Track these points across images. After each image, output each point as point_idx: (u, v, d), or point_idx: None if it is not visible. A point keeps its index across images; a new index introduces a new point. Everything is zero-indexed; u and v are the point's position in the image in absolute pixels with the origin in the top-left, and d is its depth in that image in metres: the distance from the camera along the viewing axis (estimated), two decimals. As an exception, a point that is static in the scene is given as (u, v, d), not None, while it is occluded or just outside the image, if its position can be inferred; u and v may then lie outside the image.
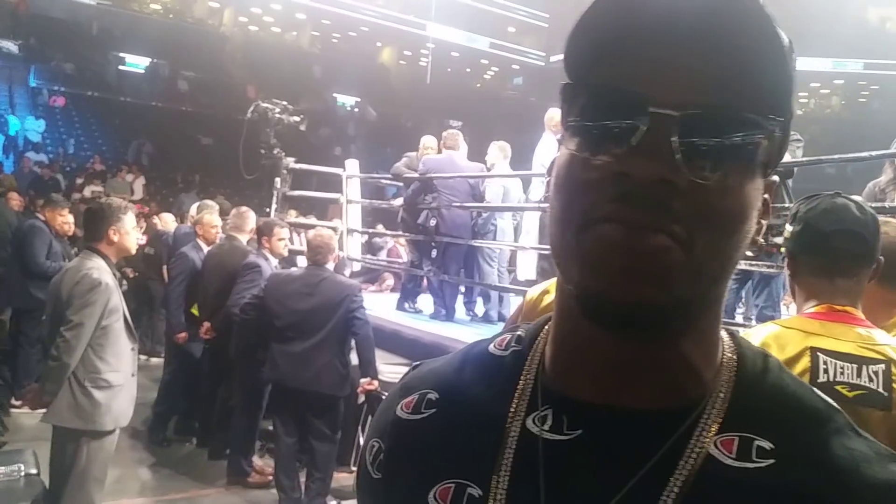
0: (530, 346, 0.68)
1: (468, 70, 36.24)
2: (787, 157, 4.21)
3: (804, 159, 4.36)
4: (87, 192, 14.41)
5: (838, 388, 1.58)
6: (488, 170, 6.28)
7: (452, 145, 6.26)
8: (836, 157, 4.19)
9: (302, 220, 9.31)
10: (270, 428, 5.24)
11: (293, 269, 5.78)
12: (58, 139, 21.90)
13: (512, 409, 0.63)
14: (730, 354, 0.62)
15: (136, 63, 26.62)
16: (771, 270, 4.22)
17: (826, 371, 1.60)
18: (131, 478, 5.28)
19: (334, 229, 6.23)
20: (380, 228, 10.21)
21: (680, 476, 0.55)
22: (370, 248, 10.18)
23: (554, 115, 5.62)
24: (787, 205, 4.27)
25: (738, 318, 4.96)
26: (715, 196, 0.53)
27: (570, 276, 0.57)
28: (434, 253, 6.35)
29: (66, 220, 6.96)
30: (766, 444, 0.56)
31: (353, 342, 4.67)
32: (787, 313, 4.58)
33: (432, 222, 6.10)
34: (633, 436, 0.58)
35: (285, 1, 29.33)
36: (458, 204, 5.96)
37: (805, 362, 1.61)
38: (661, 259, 0.52)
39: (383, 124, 27.20)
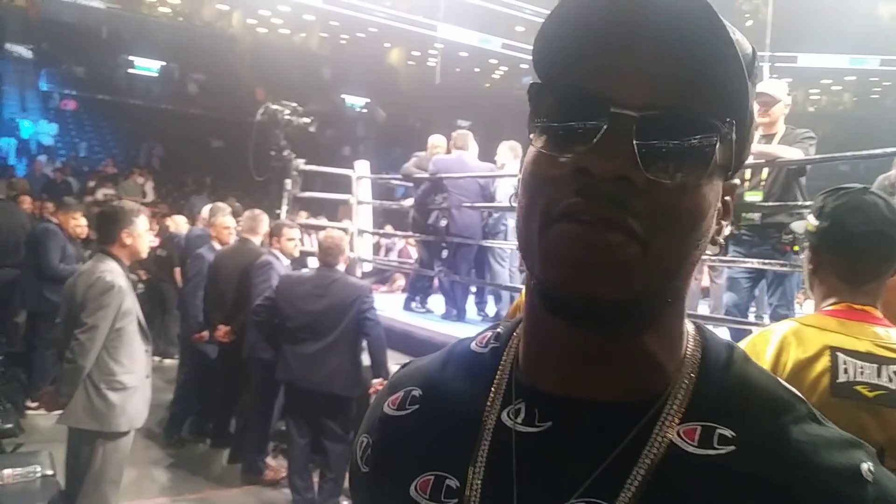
0: (507, 343, 0.71)
1: (477, 70, 36.20)
2: (799, 155, 4.19)
3: (817, 156, 4.33)
4: (99, 194, 14.48)
5: (858, 388, 1.57)
6: (499, 170, 6.28)
7: (462, 145, 6.26)
8: (848, 154, 4.16)
9: (312, 221, 9.33)
10: (283, 428, 5.26)
11: (304, 270, 5.80)
12: (69, 143, 22.06)
13: (488, 404, 0.66)
14: (694, 347, 0.64)
15: (146, 66, 26.78)
16: (785, 269, 4.20)
17: (846, 371, 1.59)
18: (146, 479, 5.32)
19: (345, 230, 6.24)
20: (388, 229, 10.22)
21: (643, 464, 0.58)
22: (377, 249, 10.20)
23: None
24: (800, 202, 4.26)
25: (751, 318, 4.92)
26: (672, 195, 0.55)
27: (534, 271, 0.60)
28: (445, 253, 6.36)
29: (78, 223, 7.00)
30: (728, 433, 0.58)
31: (364, 343, 4.69)
32: (800, 312, 4.56)
33: (443, 223, 6.10)
34: (599, 426, 0.60)
35: (294, 3, 29.38)
36: (468, 204, 5.96)
37: (825, 361, 1.60)
38: (617, 255, 0.54)
39: (392, 125, 27.22)
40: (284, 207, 7.30)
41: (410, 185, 7.07)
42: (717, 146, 0.56)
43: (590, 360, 0.60)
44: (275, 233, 5.55)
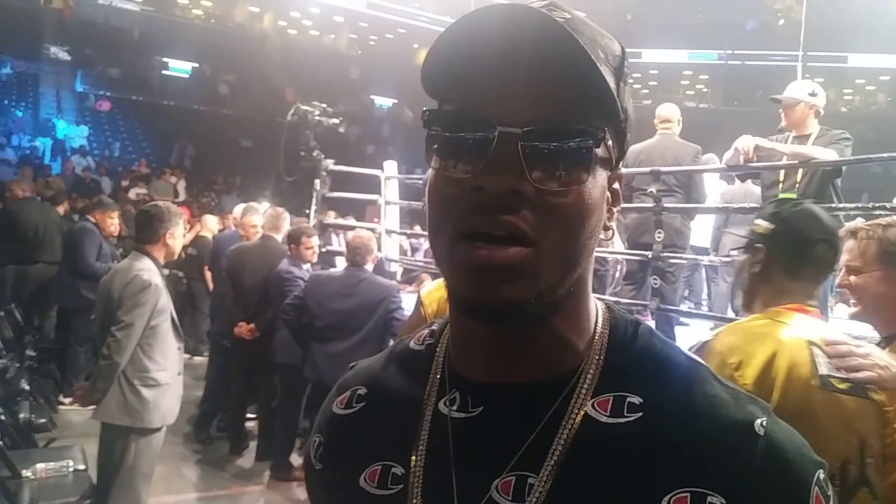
0: (440, 339, 0.77)
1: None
2: (834, 156, 4.12)
3: (851, 157, 4.26)
4: (132, 194, 14.70)
5: (832, 381, 1.64)
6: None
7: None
8: (885, 155, 4.09)
9: (341, 221, 9.37)
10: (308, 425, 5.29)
11: (333, 269, 5.82)
12: (103, 143, 22.41)
13: (425, 395, 0.72)
14: (603, 325, 0.70)
15: (178, 67, 27.13)
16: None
17: (822, 364, 1.66)
18: (175, 474, 5.38)
19: (373, 230, 6.27)
20: (417, 230, 10.22)
21: (562, 436, 0.64)
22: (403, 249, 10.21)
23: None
24: (834, 204, 4.18)
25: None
26: (558, 197, 0.61)
27: (449, 283, 0.67)
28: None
29: (114, 222, 7.12)
30: (636, 400, 0.64)
31: (392, 343, 4.69)
32: (832, 316, 4.48)
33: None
34: (523, 407, 0.66)
35: (323, 4, 29.59)
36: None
37: (805, 355, 1.66)
38: (516, 266, 0.60)
39: (420, 125, 27.21)
40: (314, 207, 7.34)
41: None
42: (594, 148, 0.63)
43: (507, 350, 0.66)
44: (293, 240, 5.49)
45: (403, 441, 0.71)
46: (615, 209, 0.69)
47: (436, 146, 0.66)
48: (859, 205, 4.44)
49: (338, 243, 8.32)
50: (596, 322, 0.70)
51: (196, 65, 27.28)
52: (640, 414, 0.64)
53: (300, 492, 5.20)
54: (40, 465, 3.91)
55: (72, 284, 6.83)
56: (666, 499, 0.60)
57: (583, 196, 0.63)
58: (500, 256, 0.60)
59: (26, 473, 3.82)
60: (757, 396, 0.66)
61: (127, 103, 24.50)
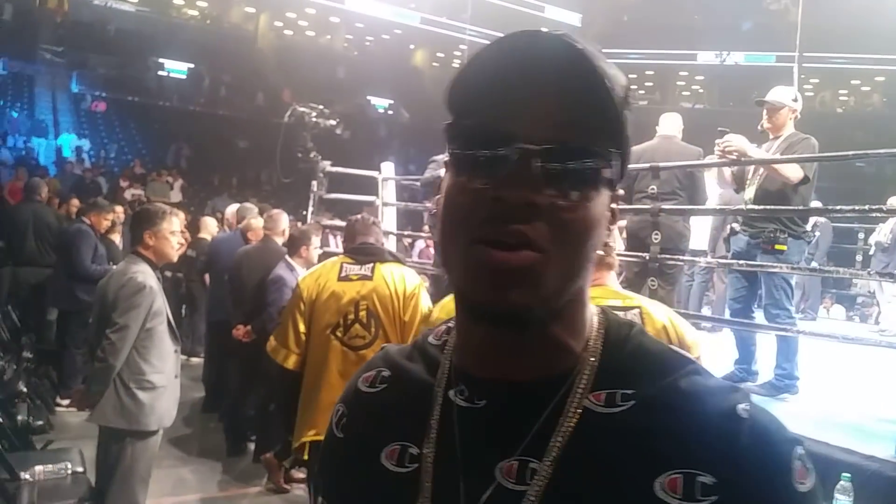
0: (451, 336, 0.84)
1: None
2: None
3: (833, 154, 4.33)
4: (127, 194, 14.68)
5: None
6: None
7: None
8: (871, 152, 4.13)
9: (338, 222, 9.37)
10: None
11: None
12: (99, 143, 22.39)
13: (436, 385, 0.80)
14: (598, 328, 0.77)
15: (174, 68, 27.12)
16: (766, 268, 4.32)
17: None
18: (174, 476, 5.38)
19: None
20: (409, 231, 10.20)
21: (562, 426, 0.70)
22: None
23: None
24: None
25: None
26: (569, 212, 0.67)
27: (457, 286, 0.72)
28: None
29: (109, 224, 7.12)
30: (629, 391, 0.71)
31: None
32: (800, 316, 4.50)
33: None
34: (524, 401, 0.73)
35: (319, 5, 29.57)
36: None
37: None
38: (527, 270, 0.66)
39: (416, 126, 27.30)
40: (311, 209, 7.35)
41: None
42: (604, 169, 0.69)
43: (508, 351, 0.73)
44: (303, 241, 5.37)
45: (418, 424, 0.78)
46: (612, 227, 0.75)
47: (456, 157, 0.71)
48: (856, 207, 4.48)
49: (335, 245, 8.32)
50: (591, 325, 0.76)
51: (192, 65, 27.26)
52: (633, 402, 0.70)
53: (298, 493, 5.20)
54: (38, 468, 3.90)
55: (68, 287, 6.82)
56: (659, 480, 0.66)
57: (590, 212, 0.69)
58: (513, 259, 0.65)
59: (25, 476, 3.81)
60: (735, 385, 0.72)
61: (123, 104, 24.48)
